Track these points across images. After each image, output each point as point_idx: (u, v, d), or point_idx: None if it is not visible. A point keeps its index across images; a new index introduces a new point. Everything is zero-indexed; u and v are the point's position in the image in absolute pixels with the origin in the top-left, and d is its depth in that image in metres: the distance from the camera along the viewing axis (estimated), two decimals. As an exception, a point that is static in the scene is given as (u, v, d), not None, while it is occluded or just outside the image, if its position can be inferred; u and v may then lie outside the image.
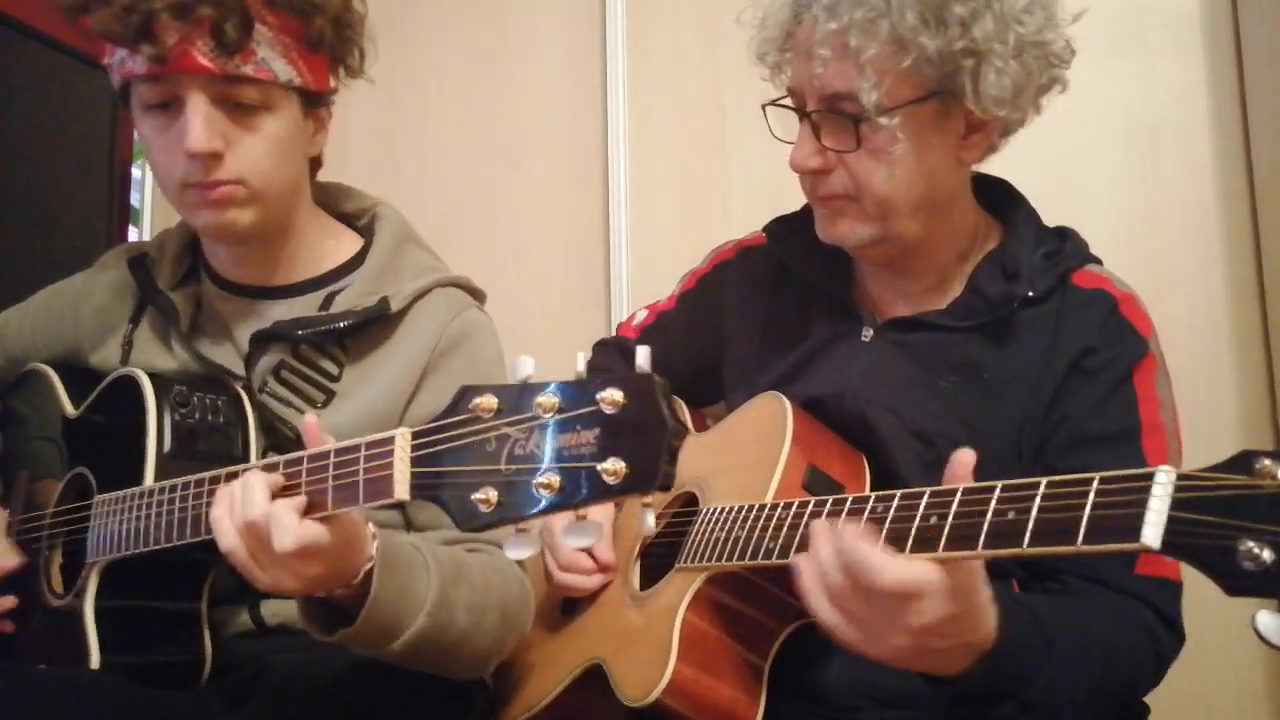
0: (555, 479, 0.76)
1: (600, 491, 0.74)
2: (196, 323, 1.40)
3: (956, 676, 0.96)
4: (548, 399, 0.77)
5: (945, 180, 1.22)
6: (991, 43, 1.11)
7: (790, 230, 1.39)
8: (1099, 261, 1.27)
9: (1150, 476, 0.77)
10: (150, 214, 2.28)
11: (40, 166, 2.06)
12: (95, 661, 1.19)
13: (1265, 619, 0.71)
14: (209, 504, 1.07)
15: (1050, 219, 1.31)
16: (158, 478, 1.19)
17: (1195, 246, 1.91)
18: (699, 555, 1.19)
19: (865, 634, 0.91)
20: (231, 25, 1.17)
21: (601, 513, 1.40)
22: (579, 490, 0.75)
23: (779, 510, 1.10)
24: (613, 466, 0.73)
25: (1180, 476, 0.76)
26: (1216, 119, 1.92)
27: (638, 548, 1.37)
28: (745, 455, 1.27)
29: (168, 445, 1.21)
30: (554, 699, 1.34)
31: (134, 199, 2.25)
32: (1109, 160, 1.96)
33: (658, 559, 1.32)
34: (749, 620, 1.20)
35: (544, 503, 0.76)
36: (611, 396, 0.74)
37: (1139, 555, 1.10)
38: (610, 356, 1.62)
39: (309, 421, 1.02)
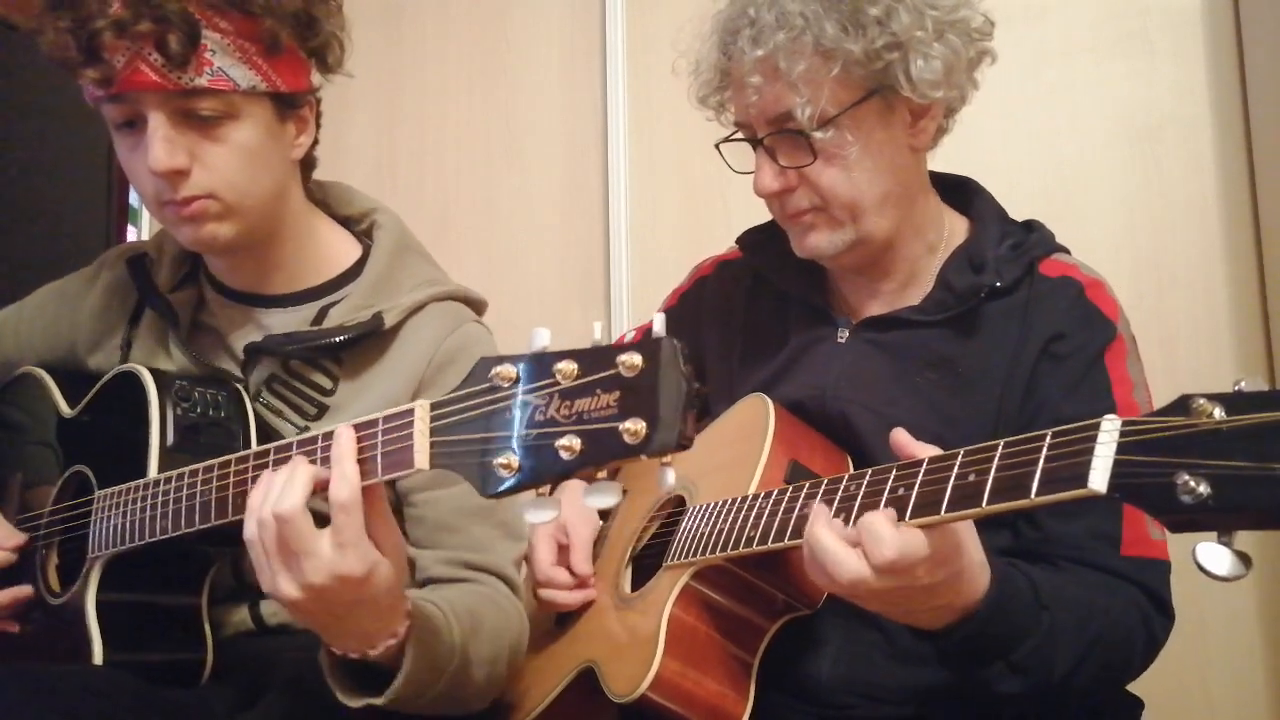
0: (576, 441, 0.76)
1: (621, 450, 0.74)
2: (196, 326, 1.38)
3: (942, 631, 0.99)
4: (567, 365, 0.77)
5: (904, 171, 1.25)
6: (911, 32, 1.16)
7: (764, 239, 1.41)
8: (1066, 251, 1.29)
9: (1097, 425, 0.79)
10: (149, 213, 2.28)
11: (40, 166, 2.05)
12: (99, 657, 1.18)
13: (1204, 550, 0.72)
14: (216, 490, 1.06)
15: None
16: (161, 471, 1.18)
17: (1196, 244, 1.92)
18: (685, 552, 1.20)
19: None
20: (176, 38, 1.13)
21: (588, 526, 1.40)
22: (600, 451, 0.75)
23: (759, 500, 1.12)
24: (633, 427, 0.74)
25: (1125, 423, 0.78)
26: (1218, 117, 1.93)
27: (629, 553, 1.37)
28: (730, 455, 1.27)
29: (170, 439, 1.21)
30: (549, 704, 1.33)
31: (133, 198, 2.24)
32: (1111, 159, 1.97)
33: (648, 564, 1.31)
34: (737, 616, 1.20)
35: (566, 465, 0.76)
36: (630, 360, 0.75)
37: (1124, 536, 1.13)
38: None
39: None
